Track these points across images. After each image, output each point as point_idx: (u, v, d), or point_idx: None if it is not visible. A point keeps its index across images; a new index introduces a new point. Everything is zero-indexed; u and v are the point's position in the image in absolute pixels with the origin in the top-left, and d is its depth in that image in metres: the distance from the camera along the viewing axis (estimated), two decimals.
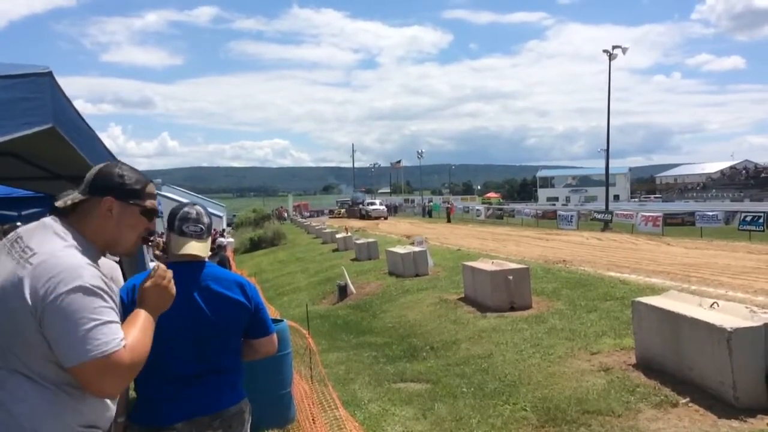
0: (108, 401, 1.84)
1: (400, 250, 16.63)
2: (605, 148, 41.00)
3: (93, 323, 1.64)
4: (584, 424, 5.15)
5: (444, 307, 11.05)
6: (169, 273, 2.03)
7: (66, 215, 1.89)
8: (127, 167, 2.00)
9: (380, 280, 15.80)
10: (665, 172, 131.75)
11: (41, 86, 2.64)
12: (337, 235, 28.19)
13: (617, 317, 8.58)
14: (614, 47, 37.57)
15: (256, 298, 2.63)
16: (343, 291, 15.05)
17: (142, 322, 1.85)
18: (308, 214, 78.36)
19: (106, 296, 1.71)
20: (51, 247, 1.74)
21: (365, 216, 57.88)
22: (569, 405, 5.55)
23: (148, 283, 1.98)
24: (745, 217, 26.48)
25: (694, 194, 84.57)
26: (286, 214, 73.52)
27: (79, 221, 1.88)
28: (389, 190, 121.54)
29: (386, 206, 64.66)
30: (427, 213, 63.66)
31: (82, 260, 1.74)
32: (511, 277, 10.09)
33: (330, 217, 69.07)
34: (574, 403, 5.58)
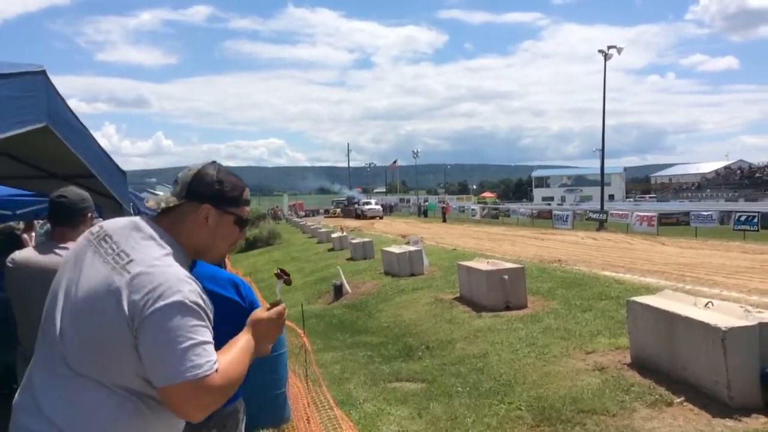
0: (177, 423, 1.77)
1: (395, 249, 16.62)
2: (600, 147, 41.10)
3: (188, 342, 1.55)
4: (579, 423, 5.15)
5: (439, 306, 11.05)
6: (285, 312, 1.99)
7: (157, 217, 1.81)
8: (224, 170, 1.89)
9: (376, 279, 15.80)
10: (660, 171, 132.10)
11: (35, 85, 2.62)
12: (333, 235, 28.13)
13: (612, 317, 8.59)
14: (609, 47, 37.65)
15: (250, 296, 2.63)
16: (338, 290, 15.03)
17: (242, 346, 1.77)
18: (303, 213, 78.26)
19: (203, 313, 1.63)
20: (149, 255, 1.66)
21: (361, 215, 57.86)
22: (564, 404, 5.55)
23: (266, 315, 1.91)
24: (740, 216, 26.57)
25: (689, 194, 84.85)
26: (281, 214, 73.42)
27: (172, 225, 1.79)
28: (385, 190, 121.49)
29: (382, 206, 64.62)
30: (423, 213, 63.65)
31: (182, 272, 1.66)
32: (506, 277, 10.09)
33: (325, 217, 69.02)
34: (569, 402, 5.59)
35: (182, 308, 1.58)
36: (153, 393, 1.62)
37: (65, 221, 3.06)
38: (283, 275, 2.27)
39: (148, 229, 1.75)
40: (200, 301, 1.64)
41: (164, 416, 1.69)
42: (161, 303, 1.56)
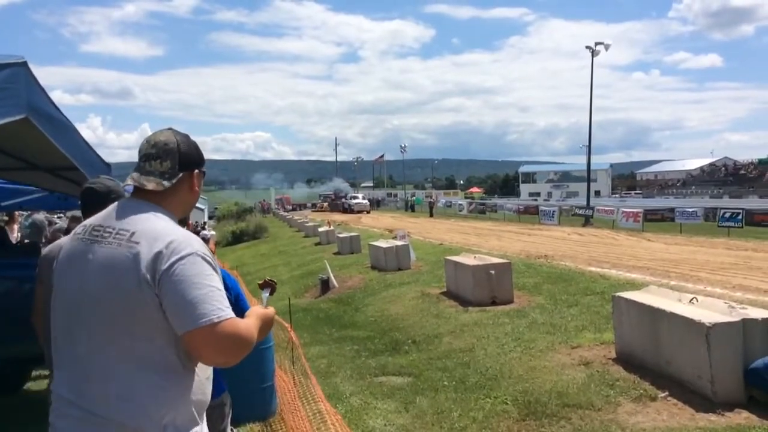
0: (207, 383, 1.82)
1: (382, 244, 16.61)
2: (586, 144, 41.21)
3: (208, 288, 1.62)
4: (564, 417, 5.17)
5: (426, 301, 11.06)
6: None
7: (141, 195, 1.82)
8: (185, 134, 1.93)
9: (362, 273, 15.78)
10: (645, 168, 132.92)
11: (15, 76, 2.57)
12: (320, 229, 28.09)
13: (597, 312, 8.64)
14: (597, 43, 37.71)
15: (235, 289, 2.62)
16: (325, 284, 15.02)
17: (257, 317, 1.85)
18: (290, 207, 78.03)
19: (214, 265, 1.71)
20: (150, 223, 1.72)
21: (348, 210, 57.85)
22: (550, 398, 5.57)
23: (269, 312, 1.96)
24: (724, 213, 26.80)
25: (674, 190, 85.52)
26: (268, 207, 73.16)
27: (163, 198, 1.82)
28: (372, 184, 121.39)
29: (369, 200, 64.59)
30: (410, 207, 63.68)
31: (188, 232, 1.75)
32: (493, 272, 10.11)
33: (313, 211, 68.84)
34: (555, 396, 5.61)
35: (196, 259, 1.66)
36: (189, 358, 1.69)
37: (97, 210, 3.08)
38: (270, 284, 2.25)
39: (135, 206, 1.78)
40: (210, 256, 1.71)
41: (198, 383, 1.75)
42: (176, 257, 1.63)
